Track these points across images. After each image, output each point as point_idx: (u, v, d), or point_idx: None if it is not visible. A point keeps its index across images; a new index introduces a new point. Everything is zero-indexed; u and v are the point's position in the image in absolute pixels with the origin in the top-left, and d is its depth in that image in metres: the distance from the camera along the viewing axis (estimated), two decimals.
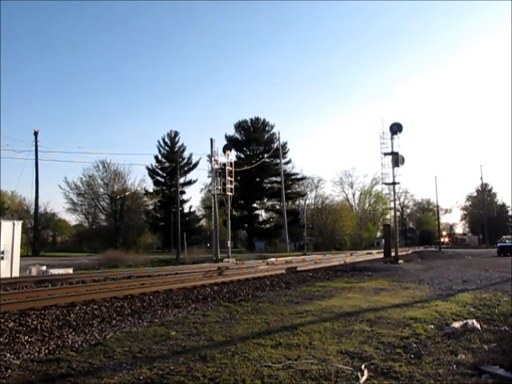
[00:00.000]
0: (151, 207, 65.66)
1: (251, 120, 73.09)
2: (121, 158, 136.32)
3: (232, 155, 32.16)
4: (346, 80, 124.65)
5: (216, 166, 30.33)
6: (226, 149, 31.29)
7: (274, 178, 72.81)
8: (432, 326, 6.15)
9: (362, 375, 3.93)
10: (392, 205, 29.92)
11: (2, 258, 15.40)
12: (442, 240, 60.20)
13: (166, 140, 66.54)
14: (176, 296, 10.06)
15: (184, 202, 64.94)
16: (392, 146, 24.90)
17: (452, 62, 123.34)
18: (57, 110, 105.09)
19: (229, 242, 31.05)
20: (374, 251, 43.17)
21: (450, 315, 7.01)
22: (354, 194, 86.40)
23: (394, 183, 25.23)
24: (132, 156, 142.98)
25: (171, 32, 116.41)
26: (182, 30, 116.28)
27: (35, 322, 6.76)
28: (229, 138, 69.65)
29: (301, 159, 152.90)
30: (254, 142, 71.94)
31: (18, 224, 16.61)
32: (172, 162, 50.07)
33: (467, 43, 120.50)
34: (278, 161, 66.41)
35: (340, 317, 7.00)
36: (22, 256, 18.45)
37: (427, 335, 5.62)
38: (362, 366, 4.19)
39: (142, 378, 3.98)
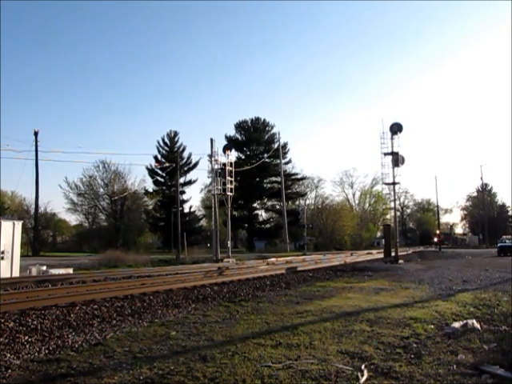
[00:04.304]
0: (151, 207, 65.62)
1: (251, 120, 73.07)
2: (121, 158, 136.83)
3: (232, 155, 32.15)
4: (346, 80, 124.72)
5: (216, 166, 30.30)
6: (226, 149, 31.26)
7: (274, 178, 72.75)
8: (432, 326, 6.15)
9: (362, 375, 3.93)
10: (392, 205, 29.90)
11: (2, 258, 15.40)
12: (437, 239, 59.76)
13: (166, 140, 66.60)
14: (176, 296, 10.06)
15: (184, 201, 64.95)
16: (392, 146, 24.89)
17: (452, 62, 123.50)
18: (57, 110, 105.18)
19: (229, 242, 31.03)
20: (374, 251, 43.15)
21: (450, 315, 7.01)
22: (354, 194, 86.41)
23: (394, 183, 25.22)
24: (132, 156, 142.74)
25: (171, 32, 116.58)
26: (182, 29, 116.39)
27: (35, 322, 6.76)
28: (229, 138, 69.68)
29: (301, 159, 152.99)
30: (254, 142, 71.88)
31: (18, 224, 16.61)
32: (172, 162, 49.94)
33: (467, 43, 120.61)
34: (278, 161, 66.34)
35: (340, 317, 7.01)
36: (22, 256, 18.45)
37: (427, 335, 5.62)
38: (362, 366, 4.19)
39: (142, 377, 3.98)
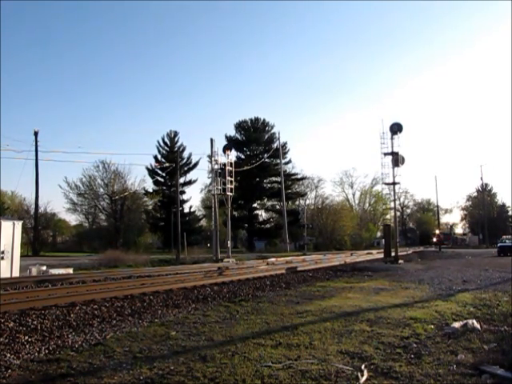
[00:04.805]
0: (151, 207, 65.62)
1: (251, 120, 73.06)
2: (121, 158, 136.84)
3: (232, 155, 32.11)
4: (346, 80, 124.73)
5: (216, 166, 30.29)
6: (225, 149, 31.24)
7: (274, 178, 72.75)
8: (432, 326, 6.15)
9: (362, 375, 3.93)
10: (392, 205, 29.90)
11: (2, 258, 15.40)
12: (435, 239, 59.63)
13: (166, 140, 66.64)
14: (176, 296, 10.06)
15: (184, 201, 64.96)
16: (392, 146, 24.87)
17: (452, 61, 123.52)
18: (57, 109, 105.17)
19: (229, 242, 31.01)
20: (374, 251, 43.15)
21: (450, 315, 7.01)
22: (354, 194, 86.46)
23: (394, 183, 25.21)
24: (132, 156, 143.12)
25: (171, 32, 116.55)
26: (182, 29, 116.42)
27: (35, 322, 6.76)
28: (229, 138, 69.69)
29: (301, 159, 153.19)
30: (254, 142, 71.87)
31: (18, 224, 16.61)
32: (172, 162, 49.92)
33: (467, 43, 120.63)
34: (278, 161, 66.34)
35: (340, 317, 7.01)
36: (22, 256, 18.44)
37: (427, 335, 5.62)
38: (362, 366, 4.19)
39: (142, 377, 3.99)
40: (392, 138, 24.91)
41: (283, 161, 68.36)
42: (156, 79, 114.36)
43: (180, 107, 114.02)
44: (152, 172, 64.40)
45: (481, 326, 5.97)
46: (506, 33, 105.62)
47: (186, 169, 65.42)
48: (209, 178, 54.38)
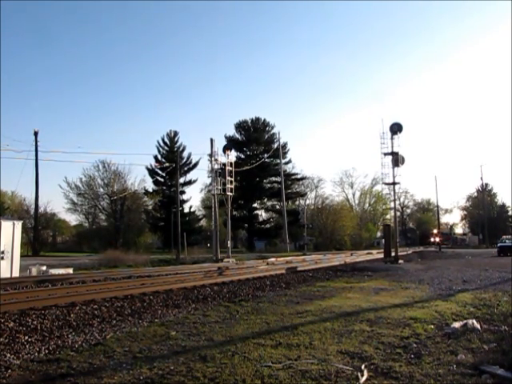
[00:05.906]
0: (151, 207, 65.64)
1: (251, 120, 73.07)
2: (121, 158, 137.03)
3: (232, 155, 32.14)
4: (346, 80, 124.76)
5: (216, 166, 30.32)
6: (226, 149, 31.25)
7: (274, 178, 72.80)
8: (432, 326, 6.15)
9: (362, 375, 3.93)
10: (392, 205, 29.91)
11: (2, 258, 15.40)
12: (433, 240, 59.43)
13: (166, 140, 66.66)
14: (176, 296, 10.06)
15: (184, 201, 64.98)
16: (392, 146, 24.87)
17: (452, 61, 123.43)
18: (57, 110, 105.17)
19: (229, 242, 31.02)
20: (374, 251, 43.14)
21: (450, 315, 7.01)
22: (354, 194, 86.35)
23: (394, 183, 25.20)
24: (132, 156, 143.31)
25: (171, 31, 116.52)
26: (182, 29, 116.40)
27: (35, 322, 6.76)
28: (229, 138, 69.69)
29: (301, 159, 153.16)
30: (254, 142, 71.89)
31: (18, 224, 16.62)
32: (172, 162, 49.94)
33: (467, 43, 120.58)
34: (278, 161, 66.37)
35: (340, 317, 7.01)
36: (22, 256, 18.45)
37: (427, 335, 5.62)
38: (362, 366, 4.19)
39: (142, 377, 3.99)
40: (392, 138, 24.90)
41: (283, 161, 68.46)
42: (156, 79, 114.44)
43: (180, 107, 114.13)
44: (152, 172, 64.45)
45: (481, 326, 5.97)
46: (506, 32, 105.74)
47: (185, 169, 65.46)
48: (209, 177, 54.36)
